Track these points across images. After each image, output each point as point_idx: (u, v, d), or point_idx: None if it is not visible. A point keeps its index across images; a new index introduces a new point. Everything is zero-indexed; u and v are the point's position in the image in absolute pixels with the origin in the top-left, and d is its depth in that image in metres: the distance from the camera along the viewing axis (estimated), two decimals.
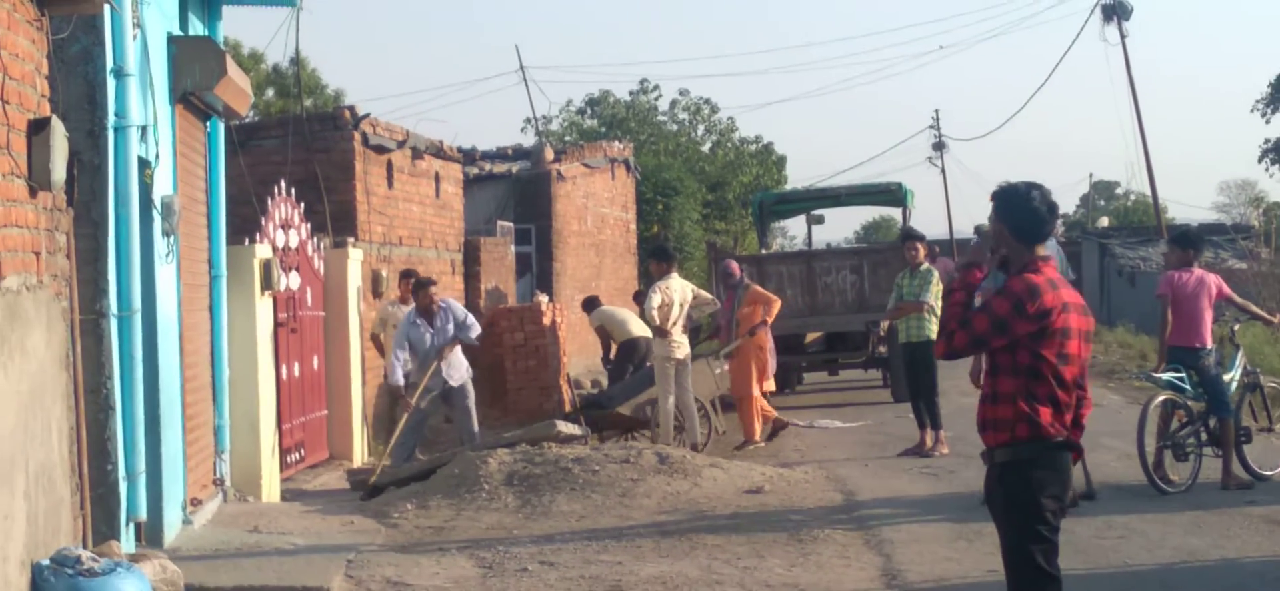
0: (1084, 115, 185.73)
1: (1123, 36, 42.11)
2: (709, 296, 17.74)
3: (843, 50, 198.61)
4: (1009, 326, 6.49)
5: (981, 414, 6.63)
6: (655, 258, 17.64)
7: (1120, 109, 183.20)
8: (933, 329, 16.26)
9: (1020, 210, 6.63)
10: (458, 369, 15.72)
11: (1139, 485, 12.97)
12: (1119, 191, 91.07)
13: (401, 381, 15.39)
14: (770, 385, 18.19)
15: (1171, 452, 13.16)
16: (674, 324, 16.63)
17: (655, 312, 16.62)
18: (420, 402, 15.44)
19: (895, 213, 29.84)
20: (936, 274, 16.57)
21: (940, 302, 16.42)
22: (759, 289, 18.16)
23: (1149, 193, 44.96)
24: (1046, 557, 6.51)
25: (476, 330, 15.82)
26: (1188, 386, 13.33)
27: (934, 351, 16.29)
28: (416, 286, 15.89)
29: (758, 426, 17.51)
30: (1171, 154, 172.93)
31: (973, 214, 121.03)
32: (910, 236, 17.39)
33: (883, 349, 22.14)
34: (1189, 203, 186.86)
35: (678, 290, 16.77)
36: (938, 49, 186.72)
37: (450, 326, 15.52)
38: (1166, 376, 13.43)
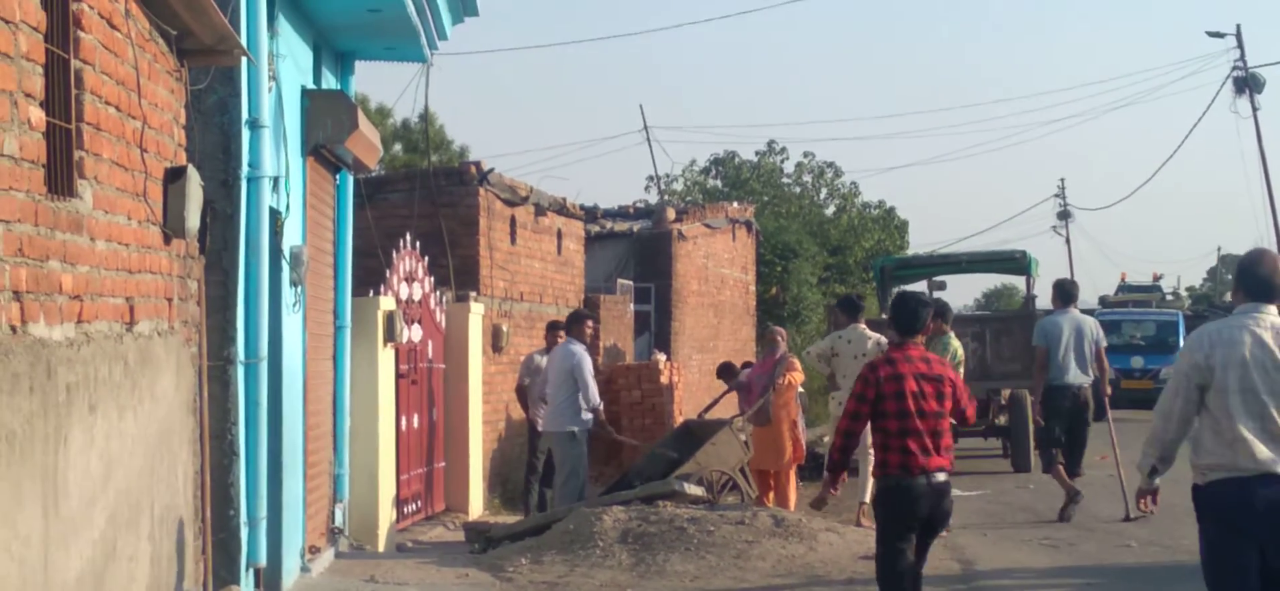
0: (1213, 187, 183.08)
1: (1254, 109, 41.53)
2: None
3: (969, 116, 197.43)
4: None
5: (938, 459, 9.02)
6: (840, 308, 16.70)
7: (1250, 182, 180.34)
8: None
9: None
10: (555, 415, 15.30)
11: None
12: None
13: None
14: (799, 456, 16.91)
15: None
16: (845, 378, 15.02)
17: (813, 359, 15.95)
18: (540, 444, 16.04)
19: (1017, 281, 29.48)
20: (956, 344, 16.07)
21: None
22: (797, 363, 16.88)
23: None
24: None
25: (591, 390, 15.20)
26: None
27: None
28: (550, 326, 16.69)
29: (792, 498, 16.40)
30: None
31: (1098, 283, 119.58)
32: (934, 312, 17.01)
33: (1002, 419, 21.89)
34: None
35: (853, 343, 15.47)
36: (1065, 119, 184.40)
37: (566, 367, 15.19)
38: None
